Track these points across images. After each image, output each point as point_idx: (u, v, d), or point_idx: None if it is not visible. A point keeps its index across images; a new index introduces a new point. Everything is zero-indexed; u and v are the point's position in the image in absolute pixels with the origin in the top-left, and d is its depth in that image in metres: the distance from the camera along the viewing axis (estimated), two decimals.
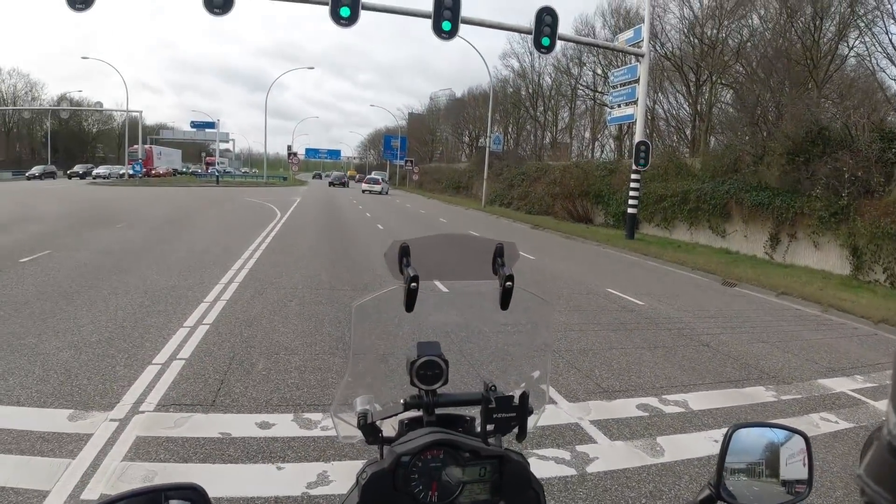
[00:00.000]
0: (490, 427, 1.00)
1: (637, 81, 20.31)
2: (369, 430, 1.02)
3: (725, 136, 24.45)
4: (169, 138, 78.60)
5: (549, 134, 51.00)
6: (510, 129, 55.01)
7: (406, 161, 63.80)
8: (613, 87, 23.30)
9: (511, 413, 1.00)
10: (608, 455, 3.88)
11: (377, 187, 46.19)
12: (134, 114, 56.10)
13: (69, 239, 12.19)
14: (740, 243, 18.40)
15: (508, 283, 1.07)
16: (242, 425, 3.90)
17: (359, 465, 0.98)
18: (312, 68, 51.49)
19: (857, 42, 24.23)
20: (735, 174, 19.31)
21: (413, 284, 1.03)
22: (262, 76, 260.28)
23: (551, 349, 5.85)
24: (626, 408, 4.74)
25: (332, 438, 3.45)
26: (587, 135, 47.71)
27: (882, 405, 5.39)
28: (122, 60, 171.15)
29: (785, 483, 0.94)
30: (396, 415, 1.06)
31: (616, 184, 25.93)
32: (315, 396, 4.47)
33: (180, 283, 8.34)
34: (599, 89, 41.39)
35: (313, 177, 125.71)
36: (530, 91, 50.24)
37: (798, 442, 0.96)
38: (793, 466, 0.95)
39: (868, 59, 24.01)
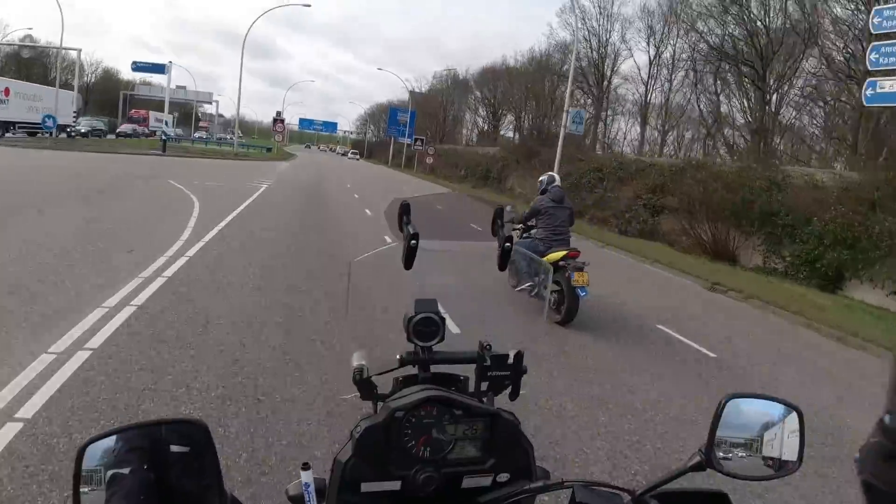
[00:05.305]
0: (484, 385, 1.01)
1: None
2: (364, 385, 1.01)
3: None
4: (145, 95, 68.44)
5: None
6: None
7: (416, 140, 51.97)
8: (877, 38, 11.91)
9: (505, 371, 1.01)
10: None
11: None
12: (71, 52, 43.22)
13: None
14: None
15: (507, 245, 1.10)
16: None
17: None
18: (309, 5, 39.58)
19: None
20: None
21: (413, 242, 1.04)
22: (265, 43, 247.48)
23: None
24: None
25: None
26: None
27: None
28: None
29: (772, 459, 0.93)
30: (392, 371, 1.05)
31: (803, 206, 14.76)
32: None
33: None
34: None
35: (305, 147, 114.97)
36: (600, 54, 38.70)
37: (791, 416, 0.95)
38: (784, 440, 0.93)
39: None
